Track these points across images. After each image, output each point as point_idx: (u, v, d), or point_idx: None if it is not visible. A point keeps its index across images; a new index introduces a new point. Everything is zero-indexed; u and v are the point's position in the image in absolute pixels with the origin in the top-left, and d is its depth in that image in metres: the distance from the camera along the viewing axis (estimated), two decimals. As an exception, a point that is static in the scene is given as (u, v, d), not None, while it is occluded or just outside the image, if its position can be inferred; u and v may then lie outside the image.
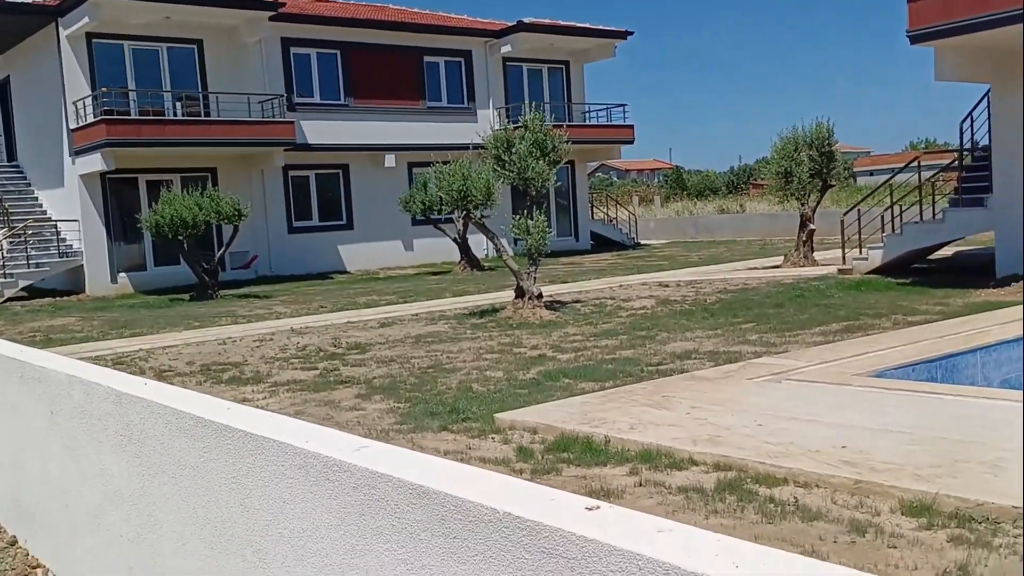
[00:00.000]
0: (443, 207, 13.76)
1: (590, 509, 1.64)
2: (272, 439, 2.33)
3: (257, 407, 6.70)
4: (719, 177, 58.33)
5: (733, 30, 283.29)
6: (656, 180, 68.12)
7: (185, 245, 18.14)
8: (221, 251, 19.58)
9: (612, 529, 1.53)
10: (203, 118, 21.54)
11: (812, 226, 18.00)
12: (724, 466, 4.82)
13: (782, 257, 18.58)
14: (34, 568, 4.12)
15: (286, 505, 2.28)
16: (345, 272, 23.69)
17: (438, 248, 24.21)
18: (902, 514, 4.00)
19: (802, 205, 17.95)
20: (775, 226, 29.25)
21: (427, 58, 25.74)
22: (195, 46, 22.06)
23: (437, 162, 13.86)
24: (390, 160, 24.55)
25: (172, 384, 7.73)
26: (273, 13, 21.87)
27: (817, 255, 18.03)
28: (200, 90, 22.02)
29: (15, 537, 4.50)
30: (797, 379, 6.85)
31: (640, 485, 4.67)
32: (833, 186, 18.88)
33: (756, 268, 18.07)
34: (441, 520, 1.79)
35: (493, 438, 5.91)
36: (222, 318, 14.31)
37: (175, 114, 21.77)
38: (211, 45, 22.15)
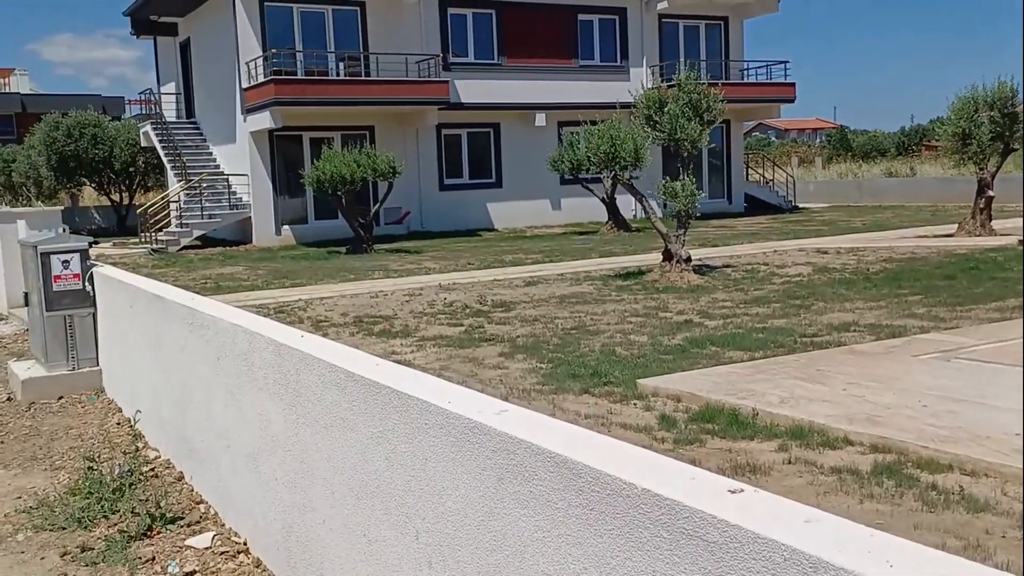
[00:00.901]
0: (591, 167, 13.61)
1: (733, 492, 1.56)
2: (416, 397, 2.37)
3: (404, 361, 6.93)
4: (888, 138, 54.59)
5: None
6: (818, 140, 64.72)
7: (343, 200, 18.91)
8: (376, 207, 20.30)
9: (756, 515, 1.45)
10: (363, 78, 22.26)
11: (991, 192, 16.59)
12: (882, 448, 4.56)
13: (956, 225, 17.30)
14: (197, 504, 4.42)
15: (427, 463, 2.32)
16: (493, 230, 24.03)
17: (585, 208, 24.09)
18: (1085, 513, 3.65)
19: (980, 169, 16.58)
20: (949, 191, 27.20)
21: (581, 16, 25.41)
22: (358, 8, 22.73)
23: (586, 122, 13.70)
24: (540, 119, 24.54)
25: (327, 335, 8.11)
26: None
27: (995, 224, 16.65)
28: (361, 51, 22.73)
29: (182, 473, 4.85)
30: (968, 358, 6.37)
31: (789, 463, 4.49)
32: (1016, 150, 17.31)
33: (926, 236, 16.92)
34: (579, 491, 1.77)
35: (635, 404, 5.84)
36: (375, 272, 14.86)
37: (338, 74, 22.61)
38: (373, 6, 22.76)
